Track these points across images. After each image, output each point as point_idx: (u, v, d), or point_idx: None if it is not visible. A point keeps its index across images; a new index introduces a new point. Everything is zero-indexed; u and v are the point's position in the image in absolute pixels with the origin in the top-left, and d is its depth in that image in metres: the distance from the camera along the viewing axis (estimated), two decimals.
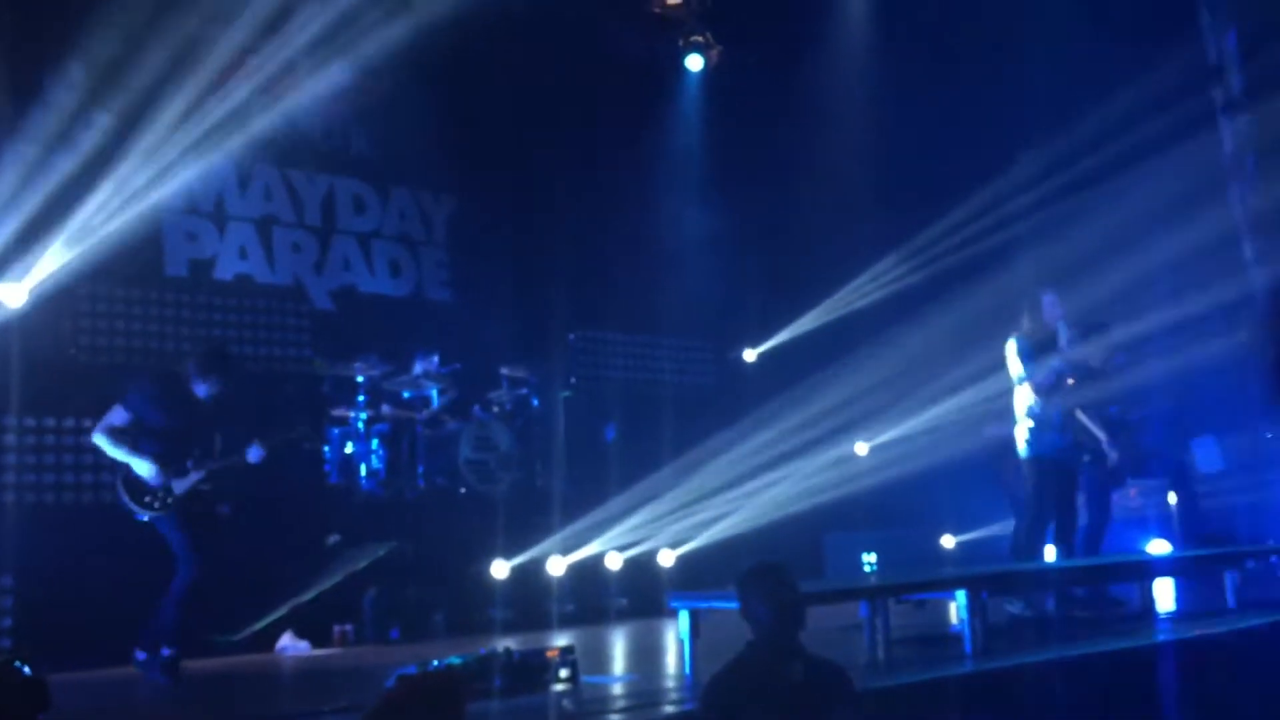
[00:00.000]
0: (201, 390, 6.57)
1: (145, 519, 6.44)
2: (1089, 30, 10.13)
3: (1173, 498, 9.19)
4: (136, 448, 6.39)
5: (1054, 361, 7.33)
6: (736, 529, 9.79)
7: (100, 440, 6.45)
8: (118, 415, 6.45)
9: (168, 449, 6.44)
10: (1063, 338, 7.34)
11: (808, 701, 3.64)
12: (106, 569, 7.37)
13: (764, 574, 3.93)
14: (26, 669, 3.81)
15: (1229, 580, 7.04)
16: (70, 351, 8.47)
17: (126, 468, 6.41)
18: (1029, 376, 7.34)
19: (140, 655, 6.41)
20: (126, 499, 6.41)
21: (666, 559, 9.71)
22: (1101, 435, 7.93)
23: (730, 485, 10.11)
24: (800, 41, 11.81)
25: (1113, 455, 7.96)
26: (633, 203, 11.01)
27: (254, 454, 6.71)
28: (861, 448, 12.00)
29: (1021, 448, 7.44)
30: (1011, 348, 7.45)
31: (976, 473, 9.97)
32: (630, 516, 9.46)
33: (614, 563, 9.32)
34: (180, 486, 6.46)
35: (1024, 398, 7.43)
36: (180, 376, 6.65)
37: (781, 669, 3.69)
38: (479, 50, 9.88)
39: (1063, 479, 7.49)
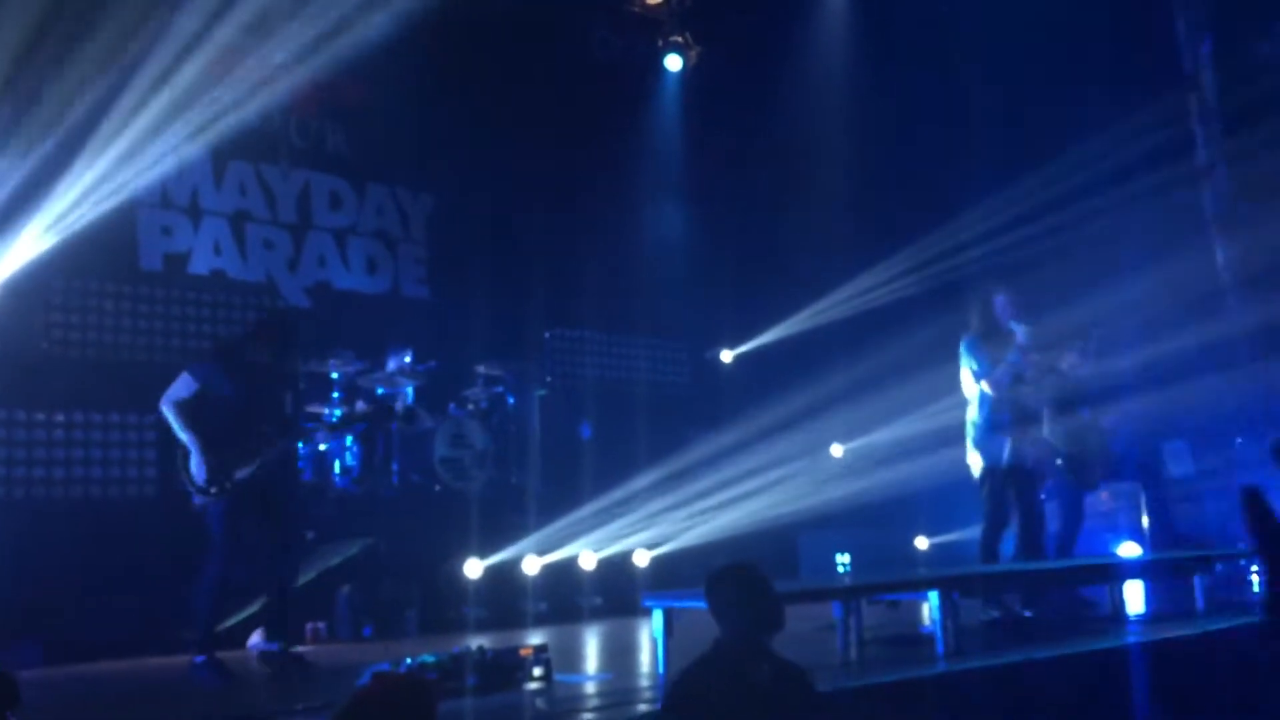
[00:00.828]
0: (262, 358, 6.28)
1: (199, 502, 6.13)
2: (1066, 34, 10.19)
3: (1143, 501, 9.26)
4: (198, 422, 6.04)
5: (1011, 355, 7.16)
6: (712, 531, 9.80)
7: (167, 413, 6.12)
8: (184, 385, 6.11)
9: (235, 423, 6.10)
10: (1021, 336, 7.15)
11: (771, 703, 3.65)
12: (77, 564, 7.33)
13: (735, 574, 3.95)
14: None
15: (1198, 583, 7.09)
16: (42, 345, 8.41)
17: (182, 448, 6.10)
18: (983, 373, 7.20)
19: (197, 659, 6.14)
20: (187, 478, 6.10)
21: (641, 559, 9.71)
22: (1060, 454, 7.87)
23: (706, 487, 10.12)
24: (780, 42, 11.85)
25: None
26: (611, 202, 11.02)
27: (321, 437, 6.50)
28: (837, 450, 12.04)
29: (972, 456, 7.32)
30: (963, 348, 7.36)
31: (950, 476, 10.01)
32: (605, 516, 9.47)
33: (588, 562, 9.32)
34: (243, 472, 6.14)
35: (974, 402, 7.35)
36: (243, 345, 6.40)
37: (748, 669, 3.70)
38: (458, 47, 9.86)
39: (1020, 483, 7.34)
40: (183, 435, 6.08)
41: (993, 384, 7.19)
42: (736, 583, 3.90)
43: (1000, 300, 7.30)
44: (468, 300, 10.37)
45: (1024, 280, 7.75)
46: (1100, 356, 7.76)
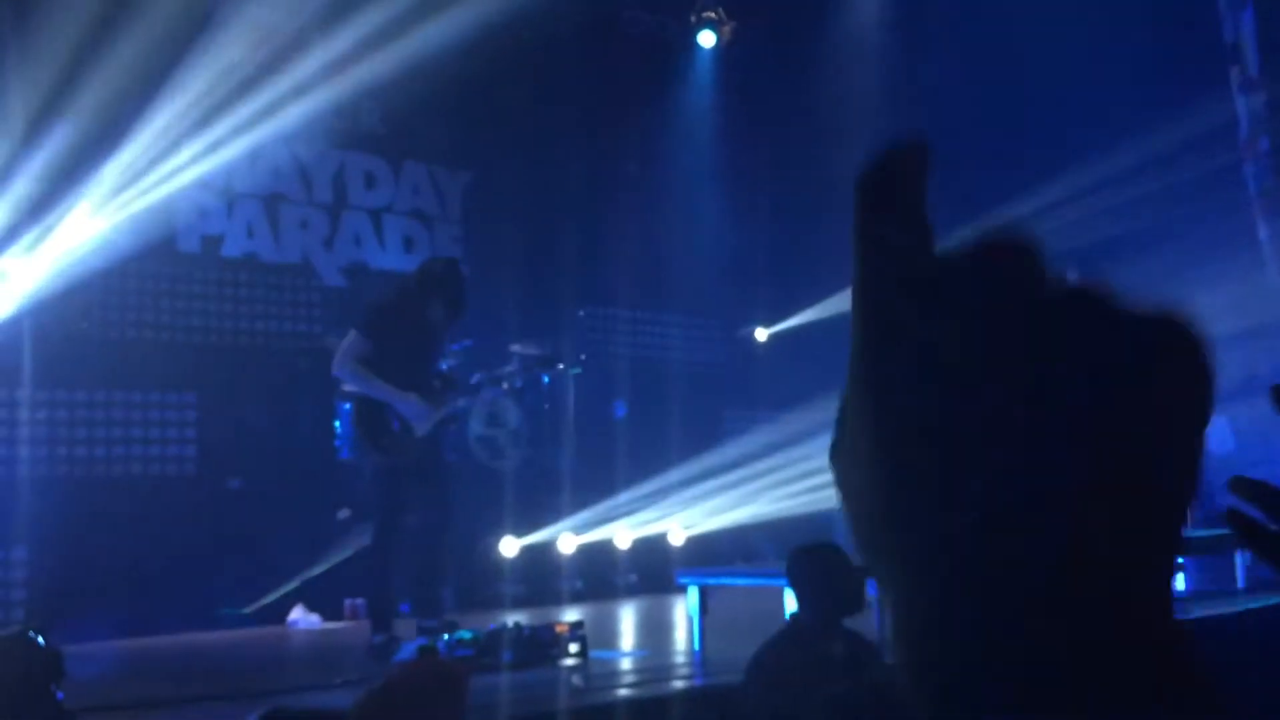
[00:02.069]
0: (431, 311, 5.99)
1: (372, 464, 5.90)
2: (1108, 14, 10.06)
3: None
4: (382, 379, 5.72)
5: None
6: (748, 513, 9.79)
7: (345, 372, 5.86)
8: (358, 344, 5.81)
9: (410, 380, 5.82)
10: None
11: (846, 680, 3.66)
12: (118, 541, 7.42)
13: (818, 554, 3.95)
14: (41, 639, 3.85)
15: (1239, 561, 7.03)
16: (82, 325, 8.49)
17: (361, 405, 5.87)
18: None
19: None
20: (360, 440, 5.92)
21: (676, 537, 9.73)
22: None
23: (741, 467, 10.11)
24: (815, 16, 11.75)
25: None
26: (644, 180, 11.00)
27: (464, 403, 6.34)
28: None
29: None
30: None
31: None
32: (640, 496, 9.48)
33: (623, 541, 9.34)
34: (422, 427, 5.88)
35: None
36: (413, 296, 6.05)
37: (825, 647, 3.72)
38: (493, 25, 9.84)
39: None
40: (369, 390, 5.78)
41: None
42: (819, 562, 3.91)
43: None
44: (503, 279, 10.38)
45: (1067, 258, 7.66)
46: None
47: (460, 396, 6.19)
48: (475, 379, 8.77)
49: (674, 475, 9.76)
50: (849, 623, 3.90)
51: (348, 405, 8.87)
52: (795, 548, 4.03)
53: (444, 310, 6.02)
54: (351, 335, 5.85)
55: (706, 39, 11.84)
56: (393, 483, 5.85)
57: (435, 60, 9.50)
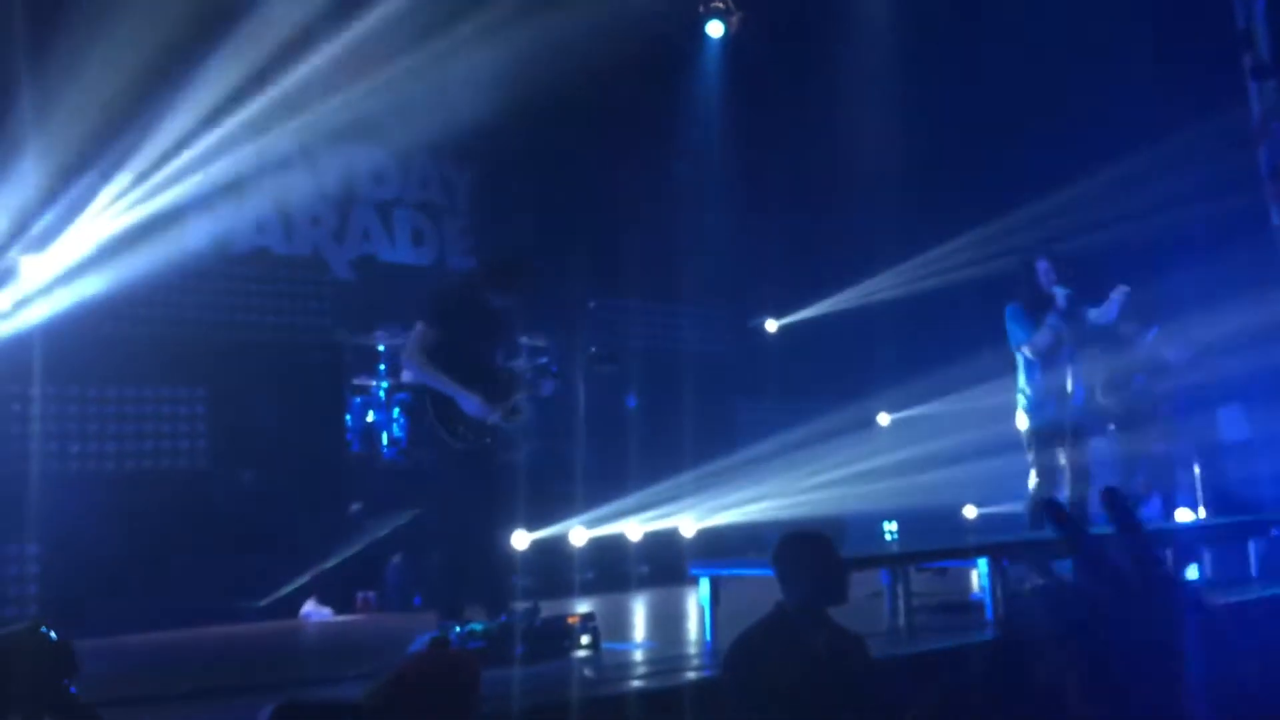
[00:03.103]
0: (497, 302, 5.92)
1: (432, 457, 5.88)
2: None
3: (1197, 467, 9.14)
4: (450, 372, 5.68)
5: (1051, 319, 7.12)
6: (759, 509, 9.78)
7: (414, 365, 5.80)
8: (424, 337, 5.75)
9: (474, 373, 5.77)
10: (1061, 300, 7.12)
11: (828, 670, 3.65)
12: (130, 535, 7.44)
13: (805, 543, 3.95)
14: (53, 634, 3.85)
15: (1253, 548, 7.00)
16: (93, 320, 8.51)
17: (431, 395, 5.75)
18: (1025, 338, 7.18)
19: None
20: (432, 428, 5.77)
21: (688, 529, 9.72)
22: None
23: (754, 461, 10.11)
24: (824, 5, 11.68)
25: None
26: (653, 170, 10.97)
27: (547, 387, 6.18)
28: (884, 418, 11.98)
29: (1021, 420, 7.31)
30: (1007, 315, 7.34)
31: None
32: (652, 488, 9.47)
33: (635, 533, 9.34)
34: (495, 416, 5.82)
35: (1023, 369, 7.32)
36: (477, 287, 5.98)
37: (807, 637, 3.70)
38: (499, 16, 9.81)
39: (1068, 447, 7.27)
40: (435, 384, 5.73)
41: (1033, 348, 7.14)
42: (805, 551, 3.90)
43: (1043, 266, 7.26)
44: (511, 270, 10.35)
45: (1081, 252, 7.66)
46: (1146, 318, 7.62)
47: (524, 396, 6.04)
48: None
49: (686, 467, 9.76)
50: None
51: (404, 395, 8.85)
52: (783, 535, 4.02)
53: (509, 302, 5.98)
54: (418, 327, 5.79)
55: (715, 29, 11.79)
56: (461, 473, 5.80)
57: (441, 52, 9.49)
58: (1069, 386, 7.29)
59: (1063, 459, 7.23)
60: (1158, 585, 1.07)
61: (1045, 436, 7.20)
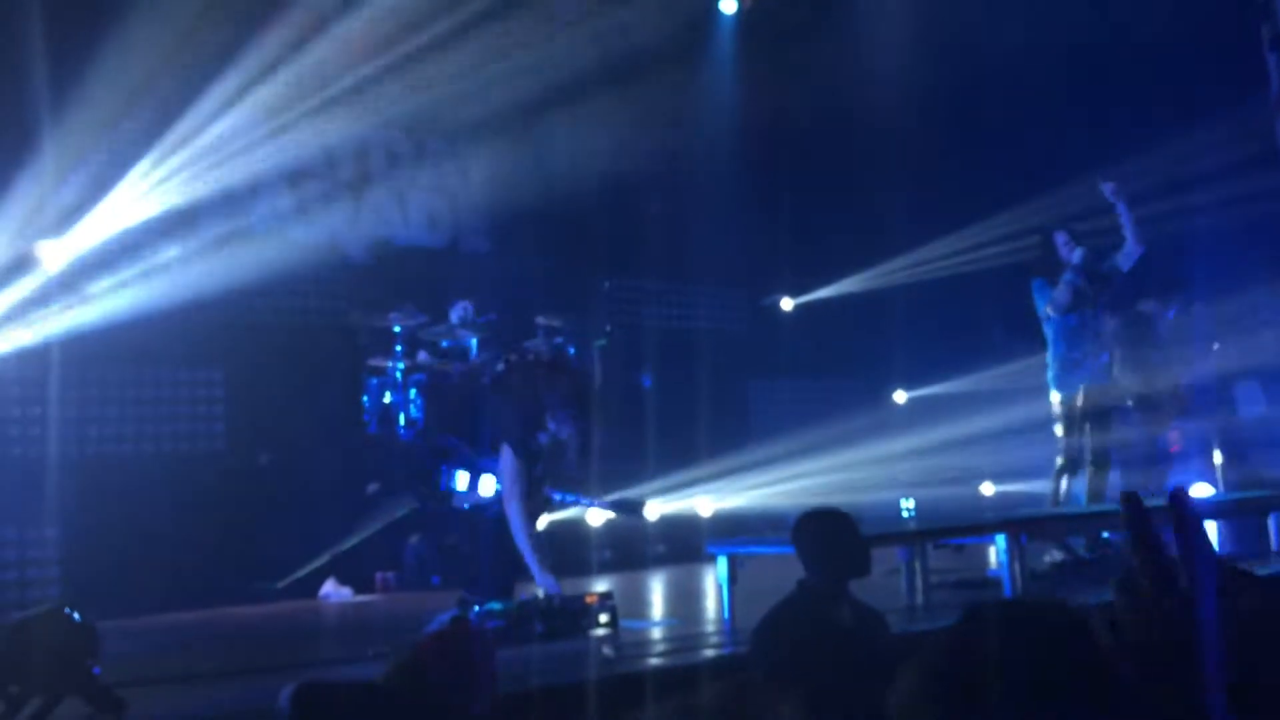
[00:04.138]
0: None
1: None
2: None
3: (1215, 442, 9.11)
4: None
5: (1067, 275, 7.22)
6: (776, 489, 9.78)
7: (511, 512, 6.11)
8: (514, 465, 6.13)
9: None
10: (1076, 257, 7.21)
11: (852, 645, 3.65)
12: (149, 517, 7.48)
13: (824, 519, 3.95)
14: (76, 615, 3.89)
15: (1273, 522, 6.97)
16: (111, 305, 8.54)
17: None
18: (1048, 301, 7.27)
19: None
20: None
21: (705, 508, 9.73)
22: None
23: (769, 440, 10.10)
24: None
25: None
26: (667, 148, 10.93)
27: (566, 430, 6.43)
28: (900, 396, 11.96)
29: (1053, 394, 7.37)
30: (1033, 289, 7.42)
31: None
32: (668, 468, 9.48)
33: (653, 512, 9.35)
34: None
35: (1050, 340, 7.38)
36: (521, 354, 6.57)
37: (830, 612, 3.72)
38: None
39: (1093, 421, 7.38)
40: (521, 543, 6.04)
41: (1054, 306, 7.20)
42: (825, 527, 3.91)
43: (1061, 237, 7.33)
44: (527, 252, 10.37)
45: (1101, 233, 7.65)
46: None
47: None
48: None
49: (700, 446, 9.76)
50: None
51: (420, 376, 8.93)
52: (801, 513, 4.03)
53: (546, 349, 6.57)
54: (508, 456, 6.10)
55: (728, 5, 11.73)
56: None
57: (456, 34, 9.47)
58: (1095, 356, 7.33)
59: (1087, 436, 7.25)
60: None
61: (1071, 409, 7.26)
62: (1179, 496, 1.12)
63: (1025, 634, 1.11)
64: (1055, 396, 7.37)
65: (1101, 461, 7.39)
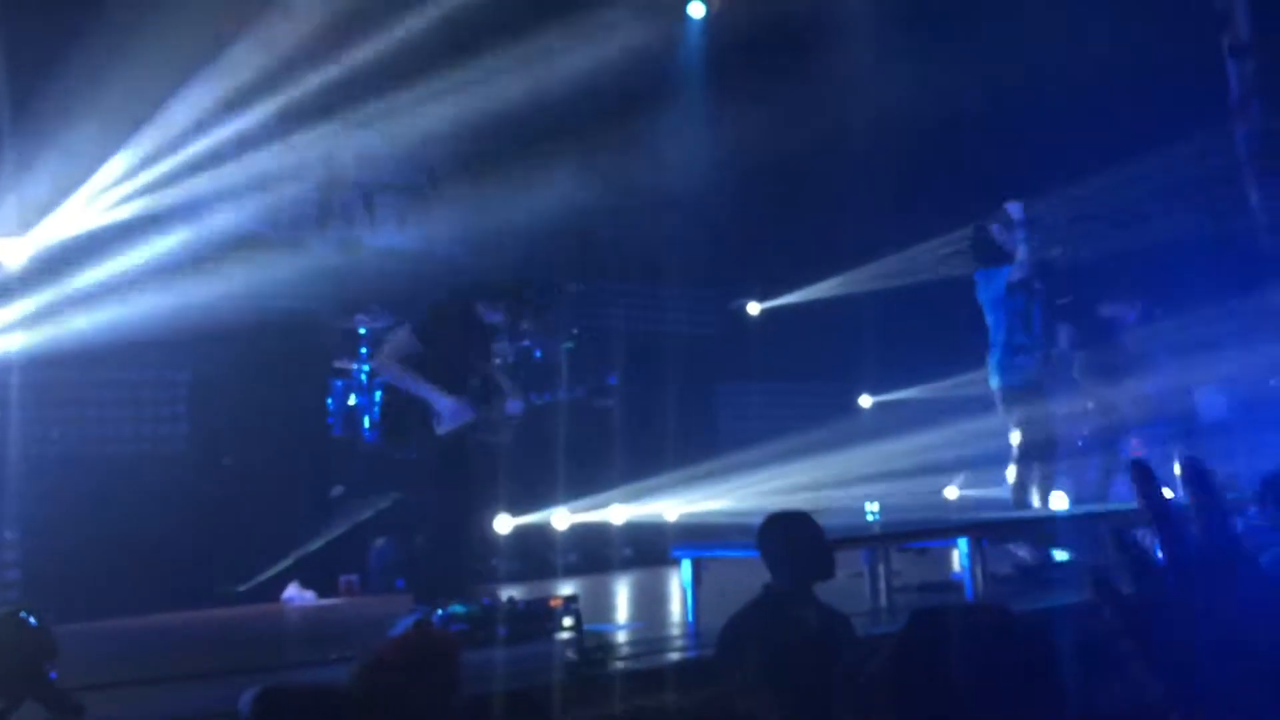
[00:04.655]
0: (492, 318, 6.02)
1: (413, 454, 5.94)
2: None
3: (1176, 446, 9.20)
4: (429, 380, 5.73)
5: (1018, 233, 7.31)
6: (743, 492, 9.80)
7: (390, 369, 5.89)
8: (408, 342, 5.84)
9: (460, 383, 5.85)
10: (1016, 212, 7.35)
11: (817, 648, 3.67)
12: (111, 519, 7.41)
13: (789, 523, 3.97)
14: (33, 619, 3.85)
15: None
16: (73, 305, 8.45)
17: (389, 397, 5.91)
18: (995, 282, 7.34)
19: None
20: (386, 433, 5.97)
21: (671, 512, 9.73)
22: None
23: (736, 444, 10.12)
24: None
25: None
26: (636, 151, 10.92)
27: (514, 406, 6.21)
28: (866, 401, 12.02)
29: (992, 378, 7.42)
30: (976, 279, 7.54)
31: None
32: (635, 472, 9.48)
33: (617, 517, 9.35)
34: (447, 425, 5.86)
35: (993, 326, 7.44)
36: (470, 301, 6.04)
37: (796, 614, 3.74)
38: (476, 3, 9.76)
39: (1039, 407, 7.44)
40: (409, 385, 5.80)
41: (1020, 266, 7.37)
42: (790, 531, 3.93)
43: (996, 228, 7.40)
44: (495, 253, 10.34)
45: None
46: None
47: (499, 398, 6.12)
48: None
49: (668, 450, 9.76)
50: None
51: (379, 394, 8.88)
52: (767, 516, 4.05)
53: (505, 319, 6.08)
54: (403, 333, 5.89)
55: (696, 10, 11.75)
56: (420, 465, 5.93)
57: (423, 33, 9.44)
58: (1037, 340, 7.40)
59: (1038, 416, 7.32)
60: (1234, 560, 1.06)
61: (1016, 394, 7.31)
62: (1192, 464, 1.12)
63: (967, 638, 1.12)
64: (995, 383, 7.41)
65: (1049, 451, 7.44)
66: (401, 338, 5.89)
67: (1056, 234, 7.60)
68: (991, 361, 7.42)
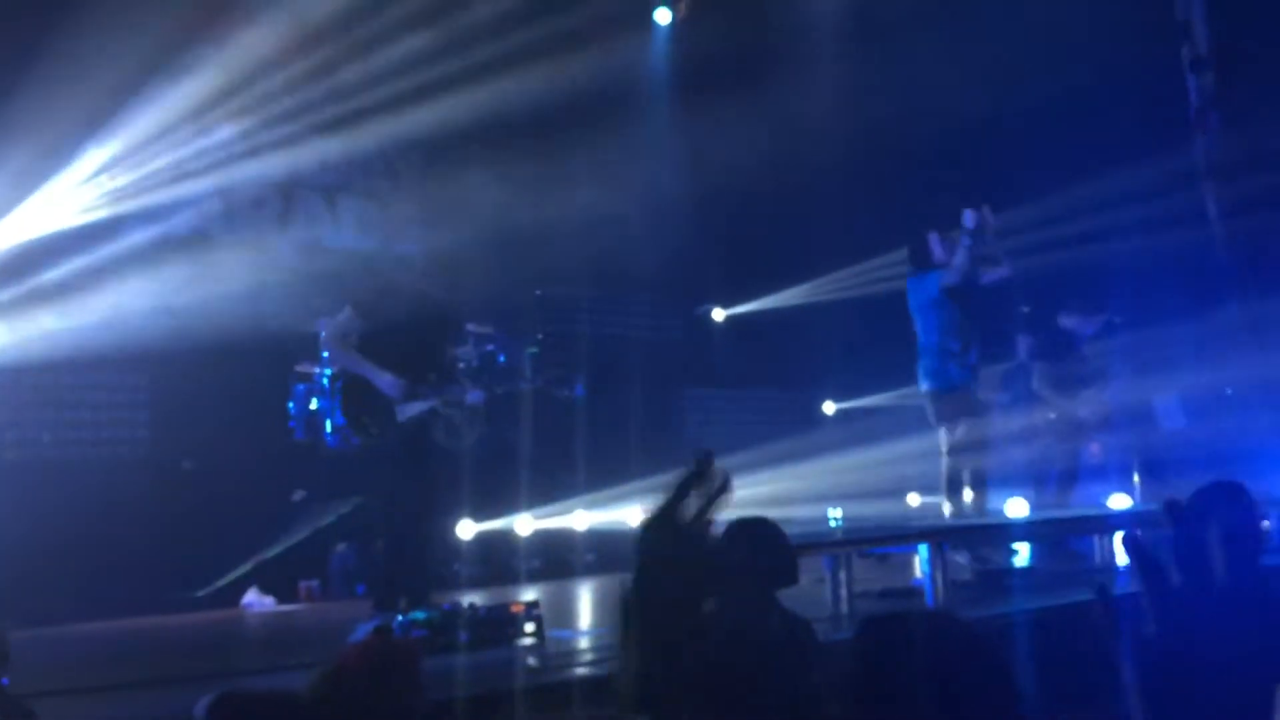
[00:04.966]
0: (438, 293, 5.91)
1: (355, 443, 5.79)
2: None
3: (1134, 453, 9.29)
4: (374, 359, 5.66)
5: (964, 240, 7.30)
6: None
7: (332, 348, 5.83)
8: (349, 322, 5.78)
9: (409, 360, 5.75)
10: (969, 220, 7.31)
11: (780, 654, 3.67)
12: (69, 523, 7.32)
13: (751, 529, 3.96)
14: None
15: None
16: (30, 307, 8.36)
17: (346, 385, 5.78)
18: (927, 287, 7.40)
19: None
20: (339, 424, 5.81)
21: (634, 518, 9.73)
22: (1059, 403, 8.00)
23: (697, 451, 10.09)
24: None
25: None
26: (600, 158, 10.92)
27: (474, 396, 6.11)
28: (830, 407, 12.06)
29: (922, 382, 7.47)
30: (908, 286, 7.63)
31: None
32: (600, 478, 9.47)
33: (580, 523, 9.34)
34: (404, 412, 5.80)
35: (921, 331, 7.47)
36: (415, 277, 5.97)
37: (760, 620, 3.73)
38: (446, 3, 9.74)
39: (971, 411, 7.49)
40: (351, 366, 5.76)
41: (955, 271, 7.29)
42: (754, 535, 3.92)
43: (934, 237, 7.52)
44: (458, 257, 10.29)
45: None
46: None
47: (457, 389, 6.06)
48: None
49: (633, 456, 9.76)
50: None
51: (332, 382, 8.79)
52: (729, 522, 4.05)
53: (451, 293, 6.02)
54: (345, 313, 5.80)
55: (663, 16, 11.77)
56: (377, 467, 5.85)
57: (388, 36, 9.41)
58: (966, 347, 7.44)
59: (963, 426, 7.37)
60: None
61: (946, 400, 7.36)
62: (1134, 543, 1.12)
63: (914, 645, 1.12)
64: (925, 387, 7.46)
65: (982, 456, 7.50)
66: (344, 316, 5.81)
67: (1003, 248, 7.61)
68: (921, 367, 7.47)
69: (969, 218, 7.32)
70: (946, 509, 7.41)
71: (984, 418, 7.64)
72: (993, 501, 7.73)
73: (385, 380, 5.70)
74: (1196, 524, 1.11)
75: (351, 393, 5.78)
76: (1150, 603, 1.06)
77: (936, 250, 7.50)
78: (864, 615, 1.27)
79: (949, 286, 7.32)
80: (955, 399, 7.38)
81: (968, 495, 7.33)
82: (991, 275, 7.56)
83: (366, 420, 5.75)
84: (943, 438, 7.44)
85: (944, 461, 7.44)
